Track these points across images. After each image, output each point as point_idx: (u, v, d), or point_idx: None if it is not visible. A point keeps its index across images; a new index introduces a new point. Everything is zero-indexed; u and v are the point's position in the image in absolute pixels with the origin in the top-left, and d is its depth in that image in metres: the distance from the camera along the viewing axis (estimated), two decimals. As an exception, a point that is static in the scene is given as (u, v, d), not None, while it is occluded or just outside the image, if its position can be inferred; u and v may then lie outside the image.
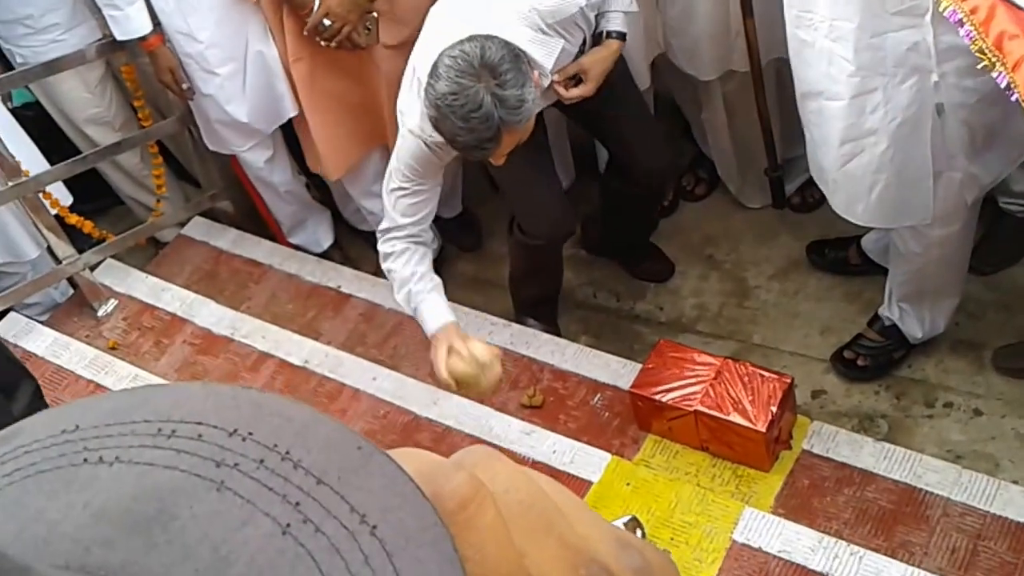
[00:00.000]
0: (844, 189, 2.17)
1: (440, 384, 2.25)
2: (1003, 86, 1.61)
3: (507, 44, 1.89)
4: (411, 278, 2.21)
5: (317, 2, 2.45)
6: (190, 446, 0.28)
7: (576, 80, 2.26)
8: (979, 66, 1.63)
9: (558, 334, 2.83)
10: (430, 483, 0.31)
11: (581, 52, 2.26)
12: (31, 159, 2.93)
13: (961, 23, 1.64)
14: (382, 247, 2.25)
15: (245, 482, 0.28)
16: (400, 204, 2.18)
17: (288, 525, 0.27)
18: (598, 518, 0.37)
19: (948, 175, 2.09)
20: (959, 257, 2.38)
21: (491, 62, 1.85)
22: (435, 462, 0.33)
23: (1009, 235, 2.69)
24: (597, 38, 2.29)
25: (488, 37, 1.89)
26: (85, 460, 0.27)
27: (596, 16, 2.25)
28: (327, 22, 2.45)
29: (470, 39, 1.88)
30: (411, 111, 2.06)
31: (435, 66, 1.89)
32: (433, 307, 2.21)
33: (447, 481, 0.32)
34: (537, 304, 2.86)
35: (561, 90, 2.24)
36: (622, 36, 2.28)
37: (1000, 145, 2.13)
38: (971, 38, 1.63)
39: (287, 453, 0.28)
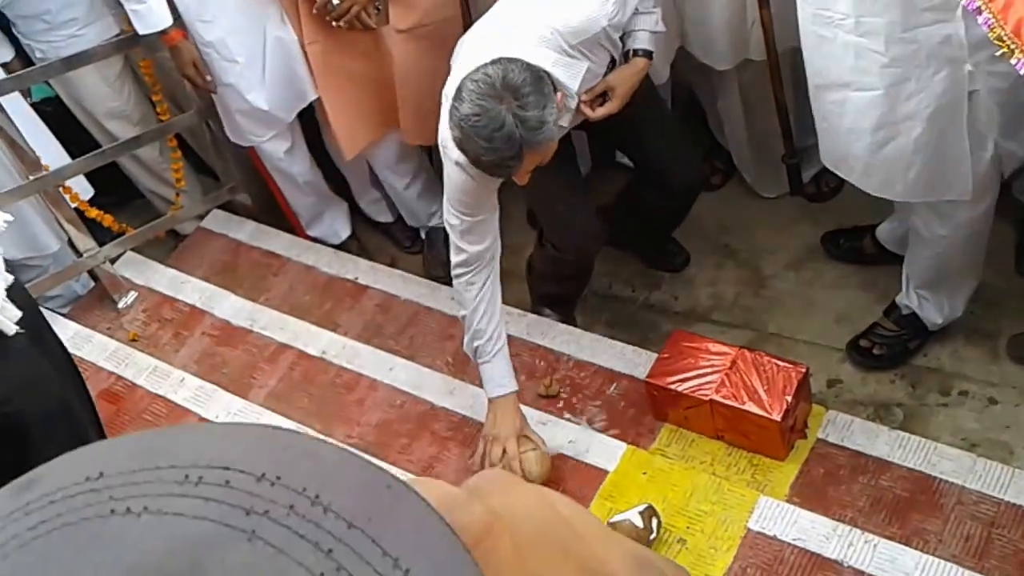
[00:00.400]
0: (881, 172, 2.18)
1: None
2: (1023, 72, 1.61)
3: (530, 67, 1.93)
4: (479, 333, 2.29)
5: None
6: (219, 493, 0.27)
7: (603, 99, 2.29)
8: (998, 53, 1.63)
9: (574, 324, 2.85)
10: (447, 516, 0.30)
11: (609, 72, 2.29)
12: (52, 153, 2.97)
13: (979, 11, 1.64)
14: (456, 285, 2.31)
15: (276, 530, 0.27)
16: (462, 237, 2.23)
17: (322, 575, 0.26)
18: (617, 538, 0.37)
19: (979, 154, 2.10)
20: (982, 237, 2.38)
21: (513, 84, 1.89)
22: (451, 495, 0.33)
23: None
24: (625, 57, 2.32)
25: (511, 60, 1.93)
26: (112, 511, 0.27)
27: (622, 36, 2.28)
28: (336, 1, 2.48)
29: (494, 62, 1.93)
30: (453, 144, 2.09)
31: (459, 89, 1.93)
32: (495, 371, 2.33)
33: (463, 514, 0.31)
34: (557, 300, 2.89)
35: (588, 110, 2.27)
36: (648, 55, 2.31)
37: None
38: (989, 26, 1.62)
39: (317, 497, 0.28)
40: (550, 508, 0.34)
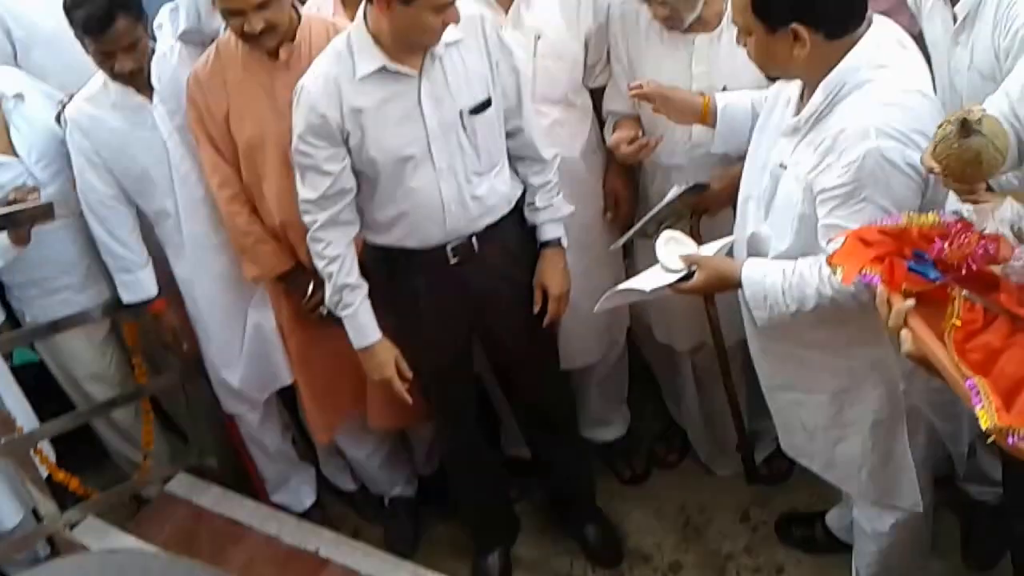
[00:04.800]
0: (838, 468, 2.30)
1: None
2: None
3: None
4: (343, 288, 2.42)
5: (311, 287, 2.65)
6: None
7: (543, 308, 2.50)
8: None
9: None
10: None
11: None
12: (23, 416, 2.99)
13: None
14: (310, 241, 2.40)
15: None
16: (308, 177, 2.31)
17: None
18: None
19: (919, 460, 2.21)
20: (923, 538, 2.45)
21: None
22: None
23: (992, 526, 2.67)
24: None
25: None
26: None
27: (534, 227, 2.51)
28: (324, 311, 2.64)
29: None
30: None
31: None
32: (362, 322, 2.47)
33: None
34: (487, 543, 2.98)
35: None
36: (558, 241, 2.53)
37: (966, 419, 2.27)
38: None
39: None
40: None
